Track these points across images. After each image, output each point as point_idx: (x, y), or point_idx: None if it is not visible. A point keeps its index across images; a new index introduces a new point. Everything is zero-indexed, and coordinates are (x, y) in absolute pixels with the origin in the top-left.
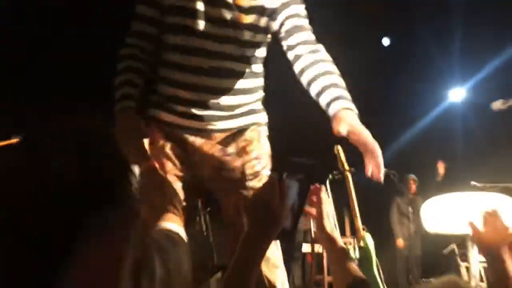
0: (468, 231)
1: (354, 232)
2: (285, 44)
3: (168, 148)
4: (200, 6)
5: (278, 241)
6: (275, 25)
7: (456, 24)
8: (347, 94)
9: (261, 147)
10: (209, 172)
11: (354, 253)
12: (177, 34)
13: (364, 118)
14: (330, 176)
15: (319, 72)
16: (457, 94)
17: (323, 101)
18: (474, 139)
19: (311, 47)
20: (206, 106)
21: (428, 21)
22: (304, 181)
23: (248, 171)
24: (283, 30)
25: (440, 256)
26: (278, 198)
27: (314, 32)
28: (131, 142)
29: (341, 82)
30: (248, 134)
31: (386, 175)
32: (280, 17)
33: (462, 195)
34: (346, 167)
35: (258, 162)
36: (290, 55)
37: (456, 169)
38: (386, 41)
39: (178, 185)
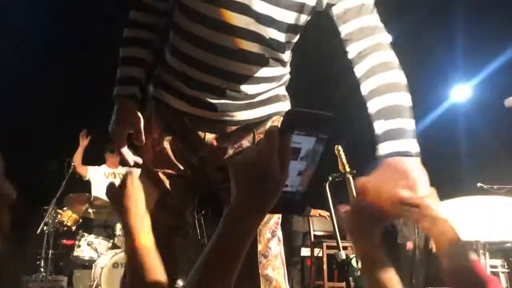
0: (479, 238)
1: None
2: (340, 29)
3: (166, 141)
4: None
5: (282, 252)
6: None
7: (461, 18)
8: (408, 124)
9: None
10: (216, 170)
11: (357, 263)
12: None
13: (365, 116)
14: (330, 178)
15: (380, 84)
16: (461, 92)
17: (377, 128)
18: (481, 139)
19: (374, 39)
20: (221, 93)
21: (430, 15)
22: (321, 138)
23: None
24: (335, 11)
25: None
26: (277, 159)
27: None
28: (122, 144)
29: (405, 100)
30: (269, 126)
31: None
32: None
33: (470, 200)
34: (347, 168)
35: None
36: (347, 48)
37: (461, 170)
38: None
39: (169, 186)
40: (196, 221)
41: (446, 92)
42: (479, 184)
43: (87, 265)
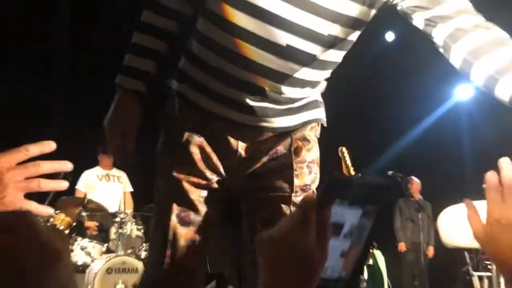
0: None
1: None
2: (420, 16)
3: (193, 145)
4: None
5: None
6: None
7: None
8: None
9: (316, 152)
10: (246, 178)
11: (362, 273)
12: None
13: (367, 116)
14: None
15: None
16: (464, 92)
17: None
18: (484, 138)
19: (476, 20)
20: (263, 95)
21: None
22: (369, 211)
23: (297, 181)
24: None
25: (447, 263)
26: (315, 236)
27: None
28: (118, 140)
29: None
30: (307, 133)
31: (393, 178)
32: None
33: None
34: (352, 171)
35: (309, 171)
36: (441, 31)
37: (465, 172)
38: (390, 36)
39: (194, 196)
40: None
41: (451, 91)
42: (484, 186)
43: (81, 269)
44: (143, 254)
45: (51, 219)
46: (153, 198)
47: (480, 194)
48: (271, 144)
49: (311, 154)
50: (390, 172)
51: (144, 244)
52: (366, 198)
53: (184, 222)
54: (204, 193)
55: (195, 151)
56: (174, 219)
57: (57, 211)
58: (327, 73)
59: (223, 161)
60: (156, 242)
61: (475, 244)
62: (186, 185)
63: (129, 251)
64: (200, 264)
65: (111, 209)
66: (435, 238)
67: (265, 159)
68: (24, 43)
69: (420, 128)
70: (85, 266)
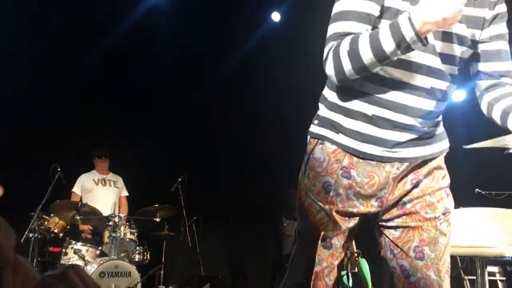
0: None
1: (348, 256)
2: (480, 65)
3: (343, 180)
4: None
5: None
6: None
7: None
8: None
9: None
10: (390, 206)
11: (348, 281)
12: None
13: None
14: None
15: None
16: (457, 95)
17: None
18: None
19: None
20: (408, 131)
21: None
22: None
23: (440, 206)
24: (484, 48)
25: None
26: None
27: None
28: None
29: None
30: (440, 159)
31: None
32: (487, 31)
33: (468, 211)
34: None
35: (447, 195)
36: (486, 82)
37: (458, 176)
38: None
39: (342, 225)
40: (187, 228)
41: None
42: (477, 190)
43: None
44: (137, 258)
45: (45, 223)
46: None
47: (472, 198)
48: (413, 171)
49: (447, 180)
50: None
51: (137, 248)
52: None
53: (326, 246)
54: (349, 221)
55: (345, 185)
56: None
57: (51, 214)
58: (445, 104)
59: (374, 194)
60: None
61: (466, 251)
62: (335, 215)
63: (122, 254)
64: None
65: (106, 213)
66: None
67: (409, 186)
68: None
69: None
70: None
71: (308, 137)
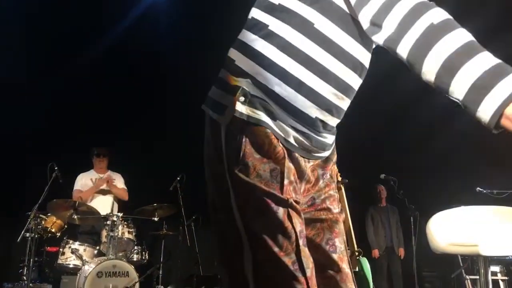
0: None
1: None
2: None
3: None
4: None
5: None
6: None
7: None
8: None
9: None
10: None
11: None
12: None
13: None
14: None
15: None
16: None
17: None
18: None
19: None
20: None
21: None
22: None
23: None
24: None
25: (440, 267)
26: None
27: None
28: None
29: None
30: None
31: (386, 181)
32: None
33: (469, 209)
34: (339, 177)
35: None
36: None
37: (460, 175)
38: None
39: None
40: (186, 228)
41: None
42: (478, 189)
43: (72, 272)
44: (135, 257)
45: (42, 222)
46: None
47: (474, 195)
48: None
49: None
50: (382, 176)
51: (135, 247)
52: None
53: (305, 244)
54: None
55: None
56: None
57: (48, 214)
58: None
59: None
60: None
61: (465, 250)
62: (296, 206)
63: (120, 254)
64: None
65: (104, 212)
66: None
67: (322, 184)
68: None
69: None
70: (76, 269)
71: None
